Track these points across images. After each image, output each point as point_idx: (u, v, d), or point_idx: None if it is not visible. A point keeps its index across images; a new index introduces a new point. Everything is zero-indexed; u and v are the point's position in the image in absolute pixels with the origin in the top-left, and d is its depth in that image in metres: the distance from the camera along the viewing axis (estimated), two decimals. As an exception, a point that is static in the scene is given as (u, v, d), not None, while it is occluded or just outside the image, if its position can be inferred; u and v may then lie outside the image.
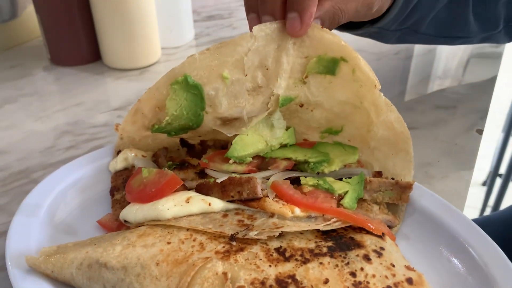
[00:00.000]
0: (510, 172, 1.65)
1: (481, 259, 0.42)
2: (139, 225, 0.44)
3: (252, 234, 0.40)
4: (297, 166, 0.50)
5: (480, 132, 0.68)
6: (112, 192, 0.51)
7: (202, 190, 0.46)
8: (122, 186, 0.52)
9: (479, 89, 0.84)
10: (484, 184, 1.98)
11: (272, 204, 0.42)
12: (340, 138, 0.54)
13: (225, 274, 0.36)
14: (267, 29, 0.45)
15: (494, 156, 1.74)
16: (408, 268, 0.38)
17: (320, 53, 0.47)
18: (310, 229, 0.41)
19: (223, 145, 0.56)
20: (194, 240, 0.39)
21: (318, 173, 0.49)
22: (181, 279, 0.36)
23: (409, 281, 0.37)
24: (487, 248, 0.43)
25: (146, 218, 0.43)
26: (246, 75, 0.47)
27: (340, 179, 0.48)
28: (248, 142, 0.50)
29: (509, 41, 0.73)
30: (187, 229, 0.41)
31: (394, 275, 0.37)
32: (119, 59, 0.87)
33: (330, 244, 0.40)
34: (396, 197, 0.49)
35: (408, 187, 0.49)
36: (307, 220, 0.42)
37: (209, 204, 0.43)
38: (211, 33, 1.07)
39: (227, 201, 0.44)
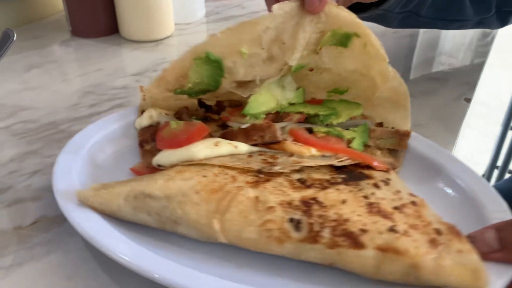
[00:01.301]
0: (506, 164, 1.72)
1: (472, 192, 0.48)
2: (172, 165, 0.49)
3: (276, 168, 0.46)
4: (308, 119, 0.56)
5: (468, 100, 0.75)
6: (141, 144, 0.57)
7: (227, 136, 0.51)
8: (150, 139, 0.57)
9: (471, 66, 0.91)
10: (482, 176, 2.06)
11: (291, 145, 0.48)
12: (345, 96, 0.60)
13: (256, 197, 0.42)
14: (286, 7, 0.50)
15: (492, 151, 1.81)
16: (411, 194, 0.44)
17: (335, 28, 0.52)
18: (325, 164, 0.47)
19: (237, 105, 0.62)
20: (226, 174, 0.45)
21: (327, 124, 0.55)
22: (218, 204, 0.42)
23: (413, 203, 0.43)
24: (477, 183, 0.49)
25: (180, 160, 0.48)
26: (263, 48, 0.52)
27: (347, 129, 0.54)
28: (262, 101, 0.55)
29: (500, 27, 0.79)
30: (219, 166, 0.46)
31: (400, 199, 0.43)
32: (136, 32, 0.95)
33: (343, 176, 0.46)
34: (396, 144, 0.55)
35: (406, 134, 0.55)
36: (322, 158, 0.48)
37: (236, 147, 0.49)
38: (221, 12, 1.15)
39: (251, 144, 0.50)
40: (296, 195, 0.42)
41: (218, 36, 0.50)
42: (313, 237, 0.39)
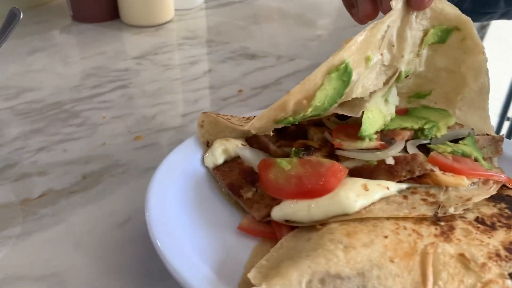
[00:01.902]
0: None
1: None
2: (313, 223, 0.40)
3: (451, 210, 0.40)
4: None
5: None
6: (236, 191, 0.45)
7: (364, 174, 0.43)
8: (243, 182, 0.46)
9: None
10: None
11: (443, 177, 0.43)
12: (426, 101, 0.56)
13: (462, 255, 0.36)
14: (400, 2, 0.43)
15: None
16: None
17: (437, 24, 0.47)
18: (487, 196, 0.42)
19: (317, 122, 0.53)
20: (405, 229, 0.38)
21: (431, 138, 0.51)
22: (422, 270, 0.35)
23: None
24: None
25: (328, 215, 0.39)
26: (382, 55, 0.45)
27: (456, 142, 0.50)
28: (374, 119, 0.48)
29: None
30: (387, 219, 0.39)
31: None
32: (136, 17, 0.95)
33: (506, 206, 0.42)
34: (494, 151, 0.53)
35: (500, 139, 0.53)
36: (474, 188, 0.43)
37: (387, 188, 0.41)
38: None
39: (398, 181, 0.43)
40: (494, 242, 0.37)
41: (357, 41, 0.41)
42: (536, 291, 0.35)
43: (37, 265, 0.43)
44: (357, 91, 0.45)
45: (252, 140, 0.51)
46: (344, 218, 0.39)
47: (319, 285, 0.34)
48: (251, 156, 0.48)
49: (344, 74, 0.42)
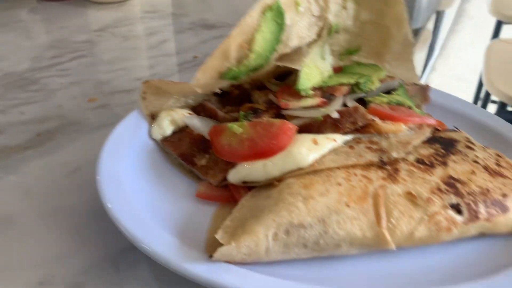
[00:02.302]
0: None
1: (498, 129, 0.55)
2: (270, 181, 0.41)
3: (394, 154, 0.43)
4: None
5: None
6: (188, 160, 0.45)
7: (312, 129, 0.45)
8: (195, 150, 0.45)
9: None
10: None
11: (384, 125, 0.45)
12: (357, 57, 0.58)
13: (409, 193, 0.39)
14: None
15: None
16: (486, 147, 0.48)
17: None
18: (423, 139, 0.46)
19: (259, 86, 0.54)
20: (355, 175, 0.40)
21: (366, 91, 0.53)
22: (376, 211, 0.38)
23: (497, 155, 0.47)
24: (497, 121, 0.56)
25: (284, 171, 0.40)
26: (309, 2, 0.46)
27: (388, 93, 0.54)
28: (310, 75, 0.50)
29: None
30: (338, 168, 0.41)
31: (490, 154, 0.46)
32: None
33: (439, 146, 0.46)
34: (422, 99, 0.57)
35: (427, 88, 0.58)
36: (411, 133, 0.47)
37: (334, 140, 0.43)
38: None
39: (343, 133, 0.45)
40: (435, 178, 0.41)
41: None
42: (474, 216, 0.40)
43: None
44: (293, 40, 0.46)
45: (198, 109, 0.51)
46: (299, 172, 0.41)
47: (285, 236, 0.36)
48: (200, 124, 0.47)
49: (278, 15, 0.44)
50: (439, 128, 0.50)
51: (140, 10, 0.93)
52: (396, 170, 0.42)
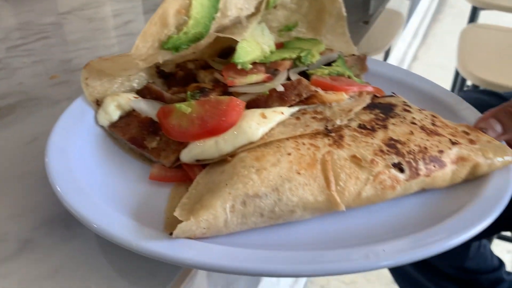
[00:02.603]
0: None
1: (437, 96, 0.59)
2: (223, 157, 0.42)
3: (338, 122, 0.45)
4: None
5: (366, 22, 0.83)
6: (139, 143, 0.44)
7: (260, 104, 0.46)
8: (144, 133, 0.45)
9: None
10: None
11: (326, 96, 0.47)
12: (295, 33, 0.60)
13: (354, 156, 0.41)
14: None
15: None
16: (423, 109, 0.51)
17: None
18: (365, 105, 0.48)
19: (204, 65, 0.54)
20: (303, 144, 0.42)
21: (308, 65, 0.55)
22: (325, 176, 0.40)
23: (433, 115, 0.50)
24: (438, 89, 0.60)
25: (235, 146, 0.41)
26: None
27: (329, 65, 0.56)
28: (249, 49, 0.51)
29: None
30: (287, 139, 0.42)
31: (426, 115, 0.50)
32: None
33: (379, 111, 0.49)
34: (360, 68, 0.60)
35: (364, 58, 0.60)
36: (352, 101, 0.49)
37: (282, 113, 0.45)
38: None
39: (289, 106, 0.46)
40: (376, 141, 0.44)
41: None
42: (415, 173, 0.43)
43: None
44: (231, 10, 0.47)
45: (144, 92, 0.50)
46: (250, 146, 0.42)
47: (241, 207, 0.37)
48: (147, 107, 0.47)
49: None
50: (378, 94, 0.53)
51: None
52: (341, 136, 0.44)
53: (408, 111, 0.50)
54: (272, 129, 0.44)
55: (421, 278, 1.28)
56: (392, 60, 2.86)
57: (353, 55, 0.60)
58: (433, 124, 0.49)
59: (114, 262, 0.38)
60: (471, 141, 0.48)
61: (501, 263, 1.30)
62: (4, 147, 0.52)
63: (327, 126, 0.45)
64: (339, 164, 0.41)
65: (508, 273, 1.31)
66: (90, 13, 0.83)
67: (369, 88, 0.52)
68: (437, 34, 4.04)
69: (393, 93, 0.54)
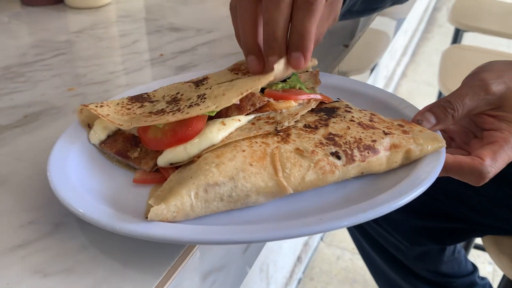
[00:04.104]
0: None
1: (380, 98, 0.68)
2: (191, 159, 0.51)
3: (286, 123, 0.54)
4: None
5: (346, 46, 0.94)
6: (124, 155, 0.54)
7: (221, 115, 0.55)
8: (128, 146, 0.55)
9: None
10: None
11: (277, 104, 0.57)
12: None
13: (297, 149, 0.50)
14: (281, 64, 0.56)
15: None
16: (363, 109, 0.61)
17: None
18: (309, 109, 0.58)
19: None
20: (256, 143, 0.51)
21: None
22: (273, 165, 0.49)
23: (372, 114, 0.59)
24: (380, 92, 0.69)
25: (201, 149, 0.51)
26: None
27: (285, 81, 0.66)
28: None
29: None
30: (243, 140, 0.51)
31: (365, 114, 0.59)
32: (78, 0, 1.13)
33: (323, 113, 0.58)
34: (314, 82, 0.70)
35: (316, 73, 0.70)
36: (300, 106, 0.59)
37: (239, 120, 0.54)
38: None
39: (246, 114, 0.56)
40: (318, 136, 0.53)
41: None
42: (351, 159, 0.52)
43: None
44: None
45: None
46: (212, 148, 0.51)
47: (204, 194, 0.46)
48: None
49: None
50: (325, 101, 0.63)
51: (114, 15, 1.06)
52: (288, 135, 0.53)
53: (349, 111, 0.59)
54: (230, 133, 0.53)
55: (400, 281, 1.36)
56: (380, 77, 2.99)
57: (307, 71, 0.70)
58: (371, 120, 0.58)
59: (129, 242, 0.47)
60: (405, 132, 0.57)
61: (475, 268, 1.36)
62: (32, 148, 0.63)
63: (276, 127, 0.54)
64: (285, 155, 0.50)
65: (482, 278, 1.37)
66: (99, 33, 0.96)
67: (317, 96, 0.62)
68: (425, 52, 4.22)
69: (338, 98, 0.64)
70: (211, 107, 0.52)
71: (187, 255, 0.48)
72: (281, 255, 1.97)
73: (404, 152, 0.55)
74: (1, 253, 0.46)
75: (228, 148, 0.51)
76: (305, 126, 0.55)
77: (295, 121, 0.56)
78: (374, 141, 0.54)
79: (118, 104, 0.59)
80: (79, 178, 0.50)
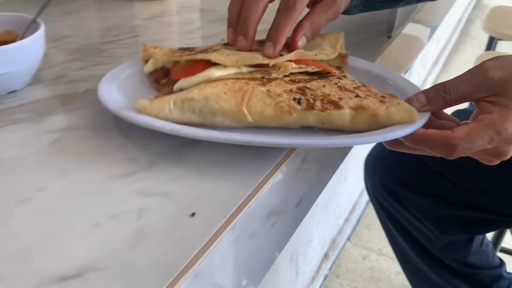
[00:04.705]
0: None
1: (396, 84, 0.73)
2: (192, 86, 0.67)
3: (274, 75, 0.66)
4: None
5: (389, 37, 1.00)
6: (157, 81, 0.73)
7: (229, 62, 0.70)
8: (162, 76, 0.74)
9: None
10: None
11: (282, 63, 0.69)
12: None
13: (268, 90, 0.62)
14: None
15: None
16: (361, 82, 0.67)
17: None
18: (303, 71, 0.68)
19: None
20: (240, 82, 0.64)
21: None
22: (242, 97, 0.61)
23: (364, 85, 0.66)
24: (400, 80, 0.74)
25: (200, 80, 0.66)
26: None
27: None
28: None
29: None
30: (233, 78, 0.65)
31: (356, 84, 0.66)
32: None
33: (316, 76, 0.67)
34: (341, 62, 0.78)
35: (345, 55, 0.78)
36: (300, 68, 0.69)
37: (239, 67, 0.68)
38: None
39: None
40: (292, 87, 0.63)
41: None
42: (310, 107, 0.60)
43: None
44: None
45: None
46: (208, 80, 0.66)
47: (180, 103, 0.61)
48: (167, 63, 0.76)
49: None
50: (331, 72, 0.71)
51: (177, 5, 1.24)
52: (270, 81, 0.64)
53: (341, 79, 0.67)
54: (227, 74, 0.67)
55: (427, 270, 1.36)
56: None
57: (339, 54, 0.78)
58: (355, 87, 0.65)
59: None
60: (382, 101, 0.62)
61: (502, 262, 1.39)
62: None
63: (264, 76, 0.65)
64: (255, 93, 0.62)
65: (509, 273, 1.37)
66: (167, 20, 1.14)
67: (324, 65, 0.70)
68: (457, 63, 4.32)
69: (343, 70, 0.71)
70: (221, 58, 0.67)
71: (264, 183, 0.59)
72: (310, 248, 1.98)
73: (370, 115, 0.60)
74: (109, 179, 0.56)
75: (217, 82, 0.65)
76: (290, 80, 0.66)
77: (284, 76, 0.66)
78: (341, 99, 0.61)
79: (169, 49, 0.78)
80: (121, 95, 0.70)
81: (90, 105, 0.73)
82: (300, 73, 0.69)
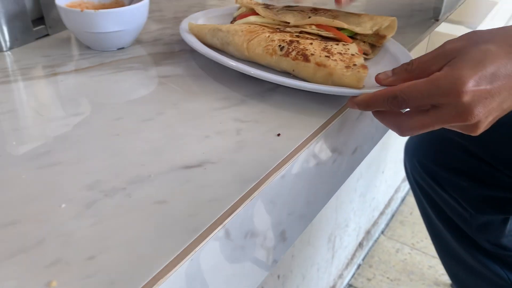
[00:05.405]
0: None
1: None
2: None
3: (288, 29, 0.86)
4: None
5: (437, 20, 1.04)
6: (234, 20, 0.99)
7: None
8: (237, 19, 0.99)
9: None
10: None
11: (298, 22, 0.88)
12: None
13: (269, 36, 0.81)
14: None
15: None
16: (358, 51, 0.73)
17: None
18: (316, 32, 0.86)
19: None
20: (260, 27, 0.87)
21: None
22: (250, 37, 0.82)
23: (353, 55, 0.70)
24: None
25: (244, 22, 0.92)
26: None
27: None
28: None
29: None
30: (258, 25, 0.89)
31: (346, 50, 0.76)
32: None
33: (331, 42, 0.81)
34: (375, 41, 0.87)
35: (384, 37, 0.86)
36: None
37: (273, 20, 0.91)
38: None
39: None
40: (289, 38, 0.81)
41: None
42: (286, 54, 0.77)
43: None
44: None
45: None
46: (247, 22, 0.92)
47: (212, 31, 0.87)
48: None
49: None
50: (344, 40, 0.84)
51: None
52: (280, 31, 0.85)
53: (338, 44, 0.79)
54: (257, 21, 0.92)
55: (460, 251, 1.36)
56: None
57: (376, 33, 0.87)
58: (339, 53, 0.75)
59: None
60: (347, 67, 0.71)
61: None
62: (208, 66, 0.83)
63: (279, 27, 0.88)
64: (260, 36, 0.82)
65: None
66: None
67: (343, 36, 0.84)
68: None
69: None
70: (261, 11, 0.92)
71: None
72: (346, 234, 2.03)
73: (327, 72, 0.71)
74: (210, 110, 0.68)
75: (246, 24, 0.88)
76: (297, 35, 0.84)
77: (302, 32, 0.85)
78: (312, 54, 0.75)
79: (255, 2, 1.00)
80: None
81: (186, 59, 0.86)
82: (320, 36, 0.85)
